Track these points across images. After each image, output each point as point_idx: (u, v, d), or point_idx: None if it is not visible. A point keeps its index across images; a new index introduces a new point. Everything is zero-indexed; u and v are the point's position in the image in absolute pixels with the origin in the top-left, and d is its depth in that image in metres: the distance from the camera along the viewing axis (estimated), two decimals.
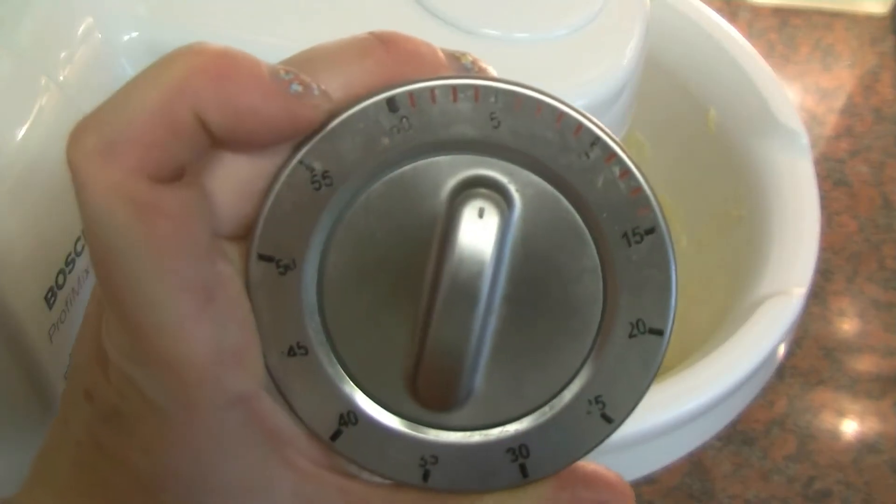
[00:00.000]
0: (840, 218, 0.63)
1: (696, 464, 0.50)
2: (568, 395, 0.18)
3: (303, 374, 0.18)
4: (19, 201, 0.26)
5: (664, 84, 0.49)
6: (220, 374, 0.17)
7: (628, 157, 0.17)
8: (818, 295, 0.58)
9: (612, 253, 0.18)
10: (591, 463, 0.20)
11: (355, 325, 0.18)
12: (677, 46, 0.49)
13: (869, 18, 0.77)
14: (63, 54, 0.30)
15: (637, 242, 0.17)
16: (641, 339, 0.18)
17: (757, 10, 0.77)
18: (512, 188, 0.17)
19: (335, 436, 0.18)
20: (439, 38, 0.19)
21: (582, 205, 0.17)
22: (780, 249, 0.41)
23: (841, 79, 0.72)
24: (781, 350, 0.39)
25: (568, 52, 0.34)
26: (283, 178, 0.17)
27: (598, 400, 0.18)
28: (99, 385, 0.18)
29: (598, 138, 0.17)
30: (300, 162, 0.17)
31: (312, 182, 0.17)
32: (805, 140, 0.44)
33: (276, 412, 0.18)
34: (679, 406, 0.34)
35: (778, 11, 0.77)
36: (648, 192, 0.17)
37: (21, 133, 0.27)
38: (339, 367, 0.18)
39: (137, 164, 0.15)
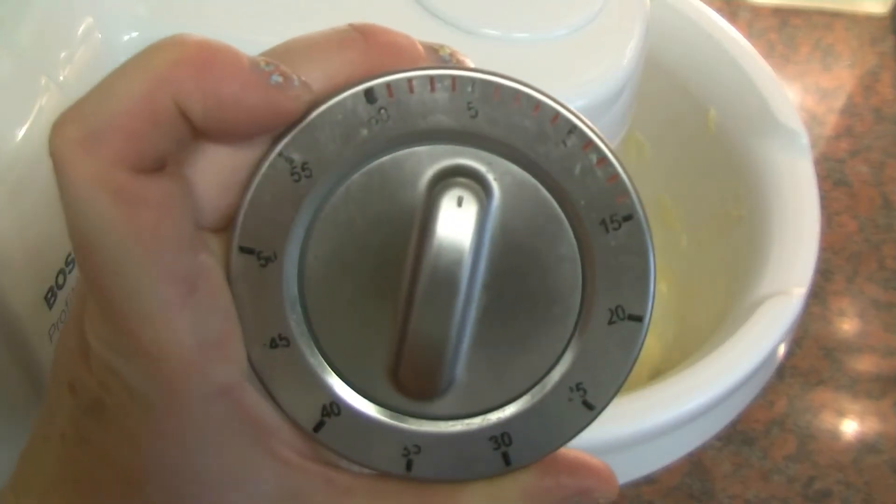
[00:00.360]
0: (840, 218, 0.63)
1: (696, 464, 0.50)
2: (549, 382, 0.18)
3: (285, 366, 0.18)
4: (19, 201, 0.26)
5: (664, 84, 0.49)
6: (203, 365, 0.17)
7: (605, 144, 0.17)
8: (818, 295, 0.58)
9: (590, 240, 0.18)
10: (574, 450, 0.20)
11: (337, 316, 0.18)
12: (677, 46, 0.49)
13: (869, 18, 0.77)
14: (63, 54, 0.30)
15: (615, 229, 0.18)
16: (621, 326, 0.18)
17: (757, 10, 0.77)
18: (490, 177, 0.18)
19: (318, 427, 0.18)
20: (439, 39, 0.19)
21: (560, 192, 0.18)
22: (780, 249, 0.41)
23: (841, 79, 0.72)
24: (781, 350, 0.39)
25: (568, 52, 0.34)
26: (262, 170, 0.17)
27: (579, 387, 0.18)
28: (82, 377, 0.18)
29: (574, 126, 0.17)
30: (279, 154, 0.17)
31: (292, 174, 0.17)
32: (805, 140, 0.44)
33: (260, 403, 0.18)
34: (679, 406, 0.34)
35: (778, 11, 0.77)
36: (626, 179, 0.17)
37: (21, 133, 0.27)
38: (320, 358, 0.18)
39: (120, 153, 0.15)
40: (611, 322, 0.18)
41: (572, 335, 0.18)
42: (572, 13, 0.35)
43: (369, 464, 0.19)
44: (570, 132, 0.17)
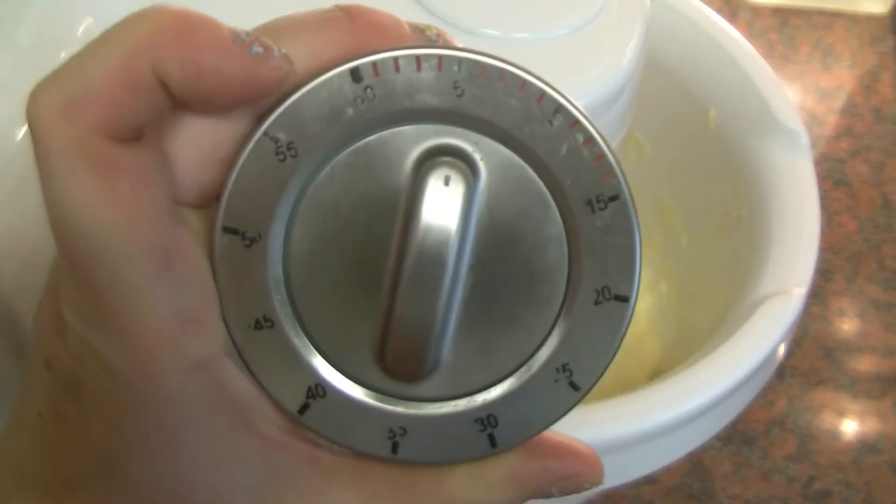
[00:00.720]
0: (840, 218, 0.63)
1: (696, 464, 0.50)
2: (535, 363, 0.18)
3: (269, 348, 0.18)
4: (19, 200, 0.26)
5: (664, 84, 0.49)
6: (179, 338, 0.17)
7: (591, 124, 0.17)
8: (818, 295, 0.58)
9: (576, 220, 0.18)
10: (561, 434, 0.19)
11: (322, 297, 0.18)
12: (677, 46, 0.49)
13: (869, 18, 0.77)
14: (63, 54, 0.30)
15: (601, 209, 0.17)
16: (607, 306, 0.18)
17: (757, 10, 0.77)
18: (477, 157, 0.17)
19: (303, 409, 0.18)
20: None
21: (546, 172, 0.17)
22: (780, 249, 0.41)
23: (841, 79, 0.72)
24: (781, 350, 0.39)
25: (568, 52, 0.34)
26: (247, 149, 0.17)
27: (565, 368, 0.18)
28: (58, 353, 0.17)
29: (560, 106, 0.17)
30: (264, 133, 0.17)
31: (277, 153, 0.17)
32: (805, 140, 0.44)
33: (239, 379, 0.18)
34: (679, 406, 0.34)
35: (778, 11, 0.77)
36: (612, 159, 0.17)
37: (21, 133, 0.27)
38: (306, 339, 0.18)
39: (97, 121, 0.15)
40: (597, 302, 0.18)
41: (558, 316, 0.18)
42: (572, 13, 0.35)
43: (354, 446, 0.18)
44: (556, 112, 0.17)
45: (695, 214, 0.51)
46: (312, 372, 0.18)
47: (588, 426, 0.33)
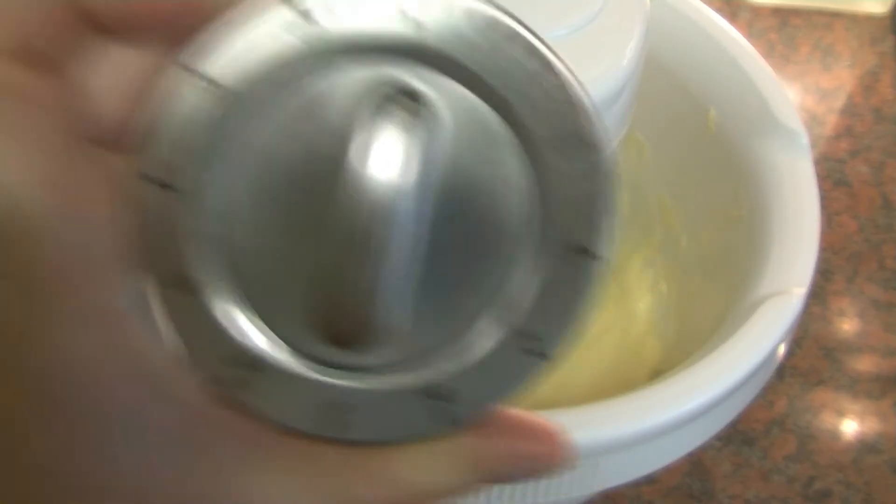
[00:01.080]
0: (840, 218, 0.63)
1: (696, 464, 0.50)
2: (496, 329, 0.16)
3: (196, 313, 0.16)
4: None
5: (664, 84, 0.49)
6: (80, 284, 0.15)
7: (566, 67, 0.16)
8: (818, 295, 0.58)
9: (547, 169, 0.16)
10: (522, 410, 0.17)
11: (257, 256, 0.16)
12: (677, 46, 0.49)
13: (869, 18, 0.77)
14: None
15: (574, 157, 0.15)
16: (578, 265, 0.16)
17: (757, 10, 0.77)
18: (435, 98, 0.15)
19: (236, 384, 0.16)
20: None
21: (513, 116, 0.15)
22: (780, 249, 0.41)
23: (841, 79, 0.72)
24: (781, 350, 0.38)
25: (568, 52, 0.34)
26: (170, 88, 0.15)
27: (529, 333, 0.16)
28: None
29: (533, 47, 0.15)
30: (189, 70, 0.15)
31: (206, 93, 0.15)
32: (805, 140, 0.44)
33: (156, 343, 0.16)
34: (679, 406, 0.34)
35: (778, 11, 0.77)
36: (587, 104, 0.16)
37: None
38: (239, 305, 0.16)
39: (2, 42, 0.14)
40: (567, 260, 0.16)
41: (523, 275, 0.16)
42: (572, 13, 0.35)
43: (291, 425, 0.16)
44: (528, 53, 0.15)
45: (695, 214, 0.51)
46: (246, 342, 0.16)
47: (588, 426, 0.32)
